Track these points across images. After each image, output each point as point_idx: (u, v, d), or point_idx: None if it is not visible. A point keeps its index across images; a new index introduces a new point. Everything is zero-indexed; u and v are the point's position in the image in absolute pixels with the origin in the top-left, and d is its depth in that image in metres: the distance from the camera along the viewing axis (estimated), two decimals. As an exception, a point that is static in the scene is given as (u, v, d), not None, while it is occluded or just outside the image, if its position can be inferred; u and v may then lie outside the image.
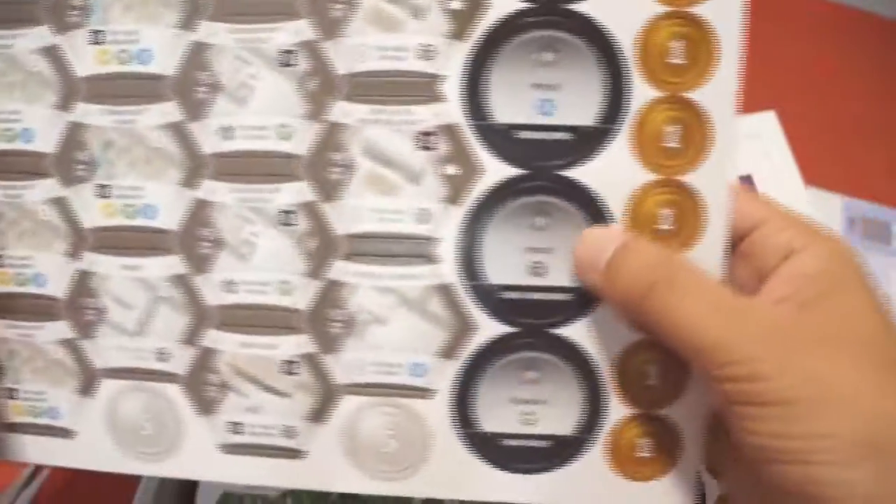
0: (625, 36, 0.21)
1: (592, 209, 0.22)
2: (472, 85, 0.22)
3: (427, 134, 0.22)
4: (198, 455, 0.25)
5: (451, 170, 0.22)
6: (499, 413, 0.23)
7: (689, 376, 0.22)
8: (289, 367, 0.24)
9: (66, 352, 0.25)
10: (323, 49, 0.22)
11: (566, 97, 0.21)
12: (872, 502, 0.17)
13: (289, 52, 0.22)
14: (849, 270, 0.20)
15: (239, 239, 0.23)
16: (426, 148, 0.22)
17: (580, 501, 0.24)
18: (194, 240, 0.23)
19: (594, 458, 0.23)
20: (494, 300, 0.23)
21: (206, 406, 0.24)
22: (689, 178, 0.22)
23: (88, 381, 0.25)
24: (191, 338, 0.24)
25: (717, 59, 0.21)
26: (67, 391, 0.25)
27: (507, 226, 0.22)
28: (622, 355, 0.23)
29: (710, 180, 0.22)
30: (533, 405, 0.23)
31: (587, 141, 0.22)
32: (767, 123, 0.47)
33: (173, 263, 0.24)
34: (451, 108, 0.22)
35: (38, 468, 0.36)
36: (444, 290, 0.23)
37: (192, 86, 0.23)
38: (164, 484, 0.32)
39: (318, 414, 0.24)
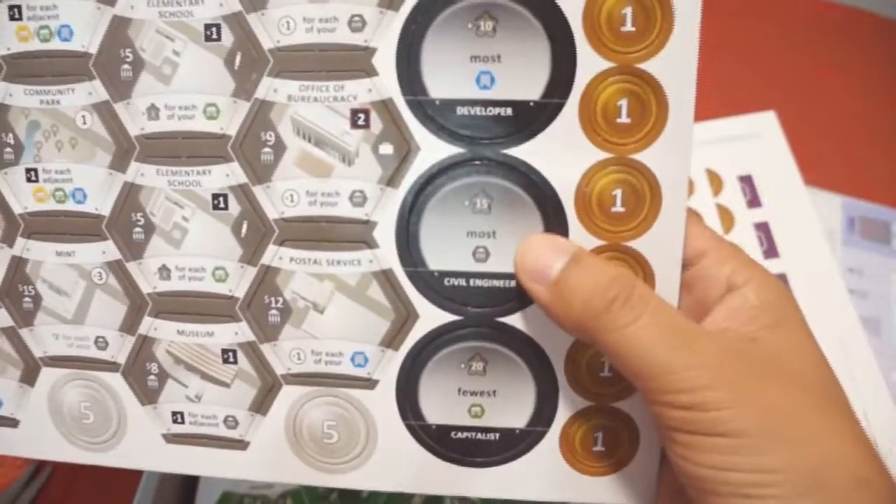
0: (571, 2, 0.20)
1: (538, 190, 0.21)
2: (406, 58, 0.21)
3: (360, 111, 0.21)
4: (142, 445, 0.25)
5: (387, 149, 0.21)
6: (446, 405, 0.23)
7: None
8: (227, 355, 0.23)
9: (5, 339, 0.25)
10: (248, 21, 0.21)
11: (507, 70, 0.20)
12: None
13: (213, 25, 0.21)
14: (789, 307, 0.20)
15: (170, 223, 0.23)
16: (359, 126, 0.21)
17: (534, 495, 0.23)
18: (126, 225, 0.23)
19: (548, 451, 0.23)
20: (436, 287, 0.22)
21: (148, 395, 0.24)
22: (643, 157, 0.20)
23: (29, 369, 0.25)
24: (128, 326, 0.24)
25: (674, 27, 0.20)
26: (8, 379, 0.25)
27: (446, 208, 0.21)
28: (574, 346, 0.22)
29: (665, 159, 0.20)
30: (481, 397, 0.23)
31: (531, 116, 0.21)
32: (767, 123, 0.47)
33: (107, 249, 0.23)
34: (385, 83, 0.21)
35: (39, 468, 0.37)
36: (384, 277, 0.22)
37: (116, 63, 0.22)
38: (164, 484, 0.33)
39: (259, 404, 0.24)
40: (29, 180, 0.23)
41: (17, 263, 0.24)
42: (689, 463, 0.18)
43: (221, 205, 0.22)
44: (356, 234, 0.22)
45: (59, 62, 0.22)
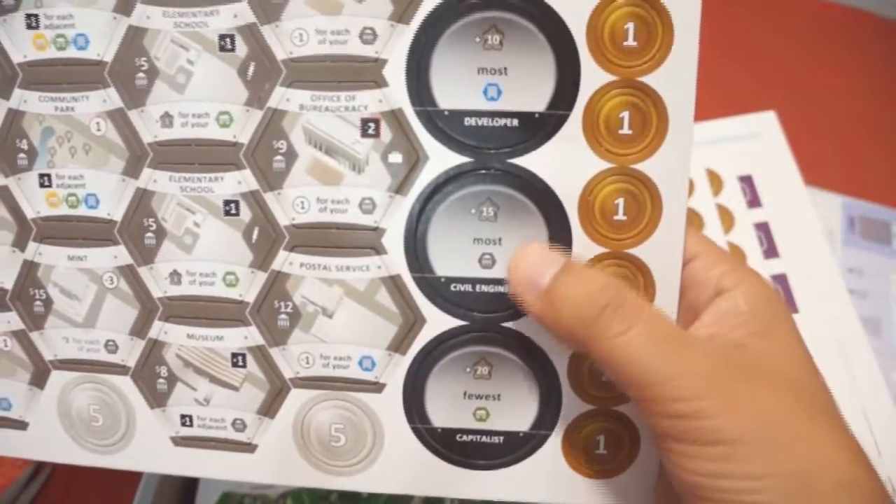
0: (575, 17, 0.21)
1: (543, 199, 0.22)
2: (416, 69, 0.22)
3: (370, 120, 0.22)
4: (150, 447, 0.26)
5: (396, 157, 0.22)
6: (452, 408, 0.24)
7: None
8: (236, 359, 0.24)
9: (15, 342, 0.26)
10: (262, 33, 0.22)
11: (513, 82, 0.21)
12: None
13: (227, 35, 0.22)
14: (778, 312, 0.21)
15: (182, 229, 0.24)
16: (370, 135, 0.22)
17: (537, 497, 0.24)
18: (138, 230, 0.24)
19: (551, 454, 0.24)
20: (443, 293, 0.23)
21: (157, 398, 0.25)
22: (645, 167, 0.22)
23: (39, 372, 0.26)
24: (139, 329, 0.25)
25: (674, 42, 0.21)
26: (18, 382, 0.26)
27: (454, 216, 0.22)
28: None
29: (666, 168, 0.22)
30: (486, 401, 0.24)
31: (536, 127, 0.22)
32: (767, 123, 0.48)
33: (118, 254, 0.24)
34: (395, 94, 0.22)
35: (39, 468, 0.38)
36: (392, 282, 0.23)
37: (130, 71, 0.23)
38: (164, 485, 0.34)
39: (267, 407, 0.25)
40: (42, 185, 0.24)
41: (29, 267, 0.25)
42: (681, 470, 0.19)
43: (233, 211, 0.23)
44: (365, 241, 0.23)
45: (74, 70, 0.23)
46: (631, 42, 0.21)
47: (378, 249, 0.23)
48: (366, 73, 0.22)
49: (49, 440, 0.26)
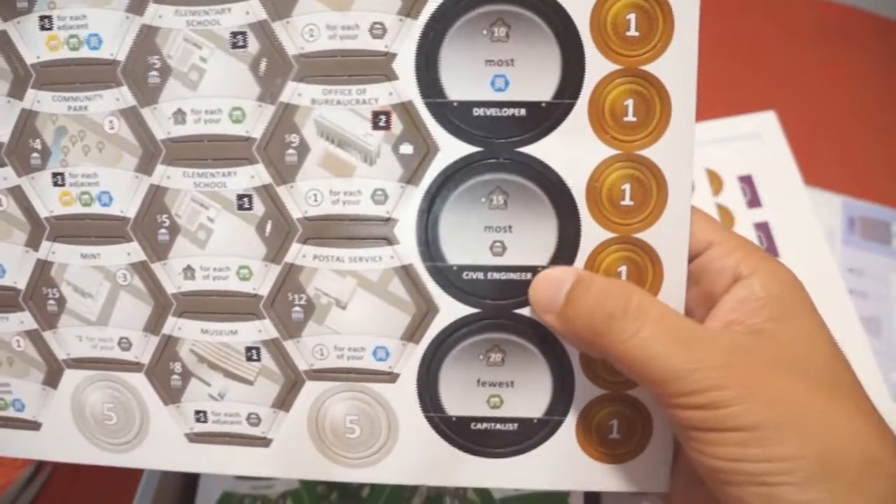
0: (579, 9, 0.22)
1: (551, 186, 0.23)
2: (425, 62, 0.23)
3: (381, 113, 0.23)
4: (165, 444, 0.26)
5: (407, 149, 0.23)
6: (465, 396, 0.25)
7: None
8: (250, 353, 0.25)
9: (28, 342, 0.26)
10: (274, 29, 0.23)
11: (520, 73, 0.22)
12: None
13: (239, 33, 0.23)
14: (796, 296, 0.21)
15: (196, 224, 0.25)
16: (381, 127, 0.23)
17: (552, 484, 0.25)
18: (152, 226, 0.25)
19: (565, 440, 0.25)
20: (455, 281, 0.24)
21: (171, 395, 0.26)
22: (650, 153, 0.23)
23: (52, 371, 0.26)
24: (152, 326, 0.25)
25: (674, 31, 0.22)
26: (31, 382, 0.26)
27: (464, 205, 0.23)
28: (588, 335, 0.24)
29: (670, 154, 0.23)
30: (499, 388, 0.25)
31: (543, 116, 0.23)
32: (767, 123, 0.49)
33: (132, 251, 0.25)
34: (405, 87, 0.23)
35: (39, 468, 0.38)
36: (405, 272, 0.24)
37: (143, 70, 0.24)
38: (164, 484, 0.34)
39: (282, 400, 0.25)
40: (55, 184, 0.25)
41: (42, 267, 0.26)
42: (704, 456, 0.20)
43: (246, 205, 0.24)
44: (378, 232, 0.24)
45: (87, 69, 0.24)
46: (633, 32, 0.22)
47: (390, 240, 0.24)
48: (376, 67, 0.23)
49: (63, 440, 0.26)
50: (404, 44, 0.23)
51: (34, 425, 0.27)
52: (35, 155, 0.25)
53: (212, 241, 0.25)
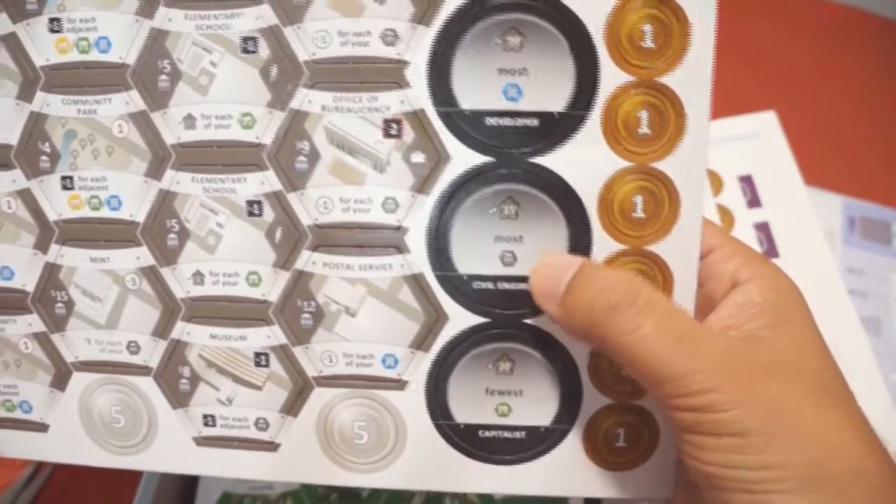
0: (594, 19, 0.22)
1: (563, 197, 0.23)
2: (437, 70, 0.23)
3: (392, 121, 0.23)
4: (172, 448, 0.26)
5: (418, 157, 0.23)
6: (474, 404, 0.25)
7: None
8: (259, 358, 0.25)
9: (37, 345, 0.26)
10: (285, 35, 0.23)
11: (533, 82, 0.22)
12: None
13: (250, 38, 0.23)
14: (793, 303, 0.22)
15: (205, 229, 0.25)
16: (392, 135, 0.23)
17: (559, 491, 0.25)
18: (161, 231, 0.25)
19: (572, 448, 0.25)
20: (465, 290, 0.24)
21: (179, 399, 0.26)
22: (663, 165, 0.23)
23: (60, 374, 0.26)
24: (161, 330, 0.26)
25: (691, 43, 0.22)
26: (39, 384, 0.27)
27: (475, 214, 0.23)
28: (596, 345, 0.24)
29: (684, 166, 0.23)
30: (508, 396, 0.25)
31: (556, 127, 0.23)
32: (767, 123, 0.49)
33: (141, 255, 0.25)
34: (417, 95, 0.23)
35: (39, 468, 0.38)
36: (414, 281, 0.24)
37: (153, 74, 0.24)
38: (164, 484, 0.34)
39: (290, 406, 0.25)
40: (64, 188, 0.25)
41: (51, 270, 0.26)
42: (697, 461, 0.20)
43: (256, 211, 0.24)
44: (388, 240, 0.24)
45: (96, 73, 0.24)
46: (649, 43, 0.22)
47: (401, 248, 0.24)
48: (388, 75, 0.23)
49: (70, 442, 0.27)
50: (417, 51, 0.23)
51: (42, 427, 0.27)
52: (44, 158, 0.25)
53: (221, 247, 0.25)
